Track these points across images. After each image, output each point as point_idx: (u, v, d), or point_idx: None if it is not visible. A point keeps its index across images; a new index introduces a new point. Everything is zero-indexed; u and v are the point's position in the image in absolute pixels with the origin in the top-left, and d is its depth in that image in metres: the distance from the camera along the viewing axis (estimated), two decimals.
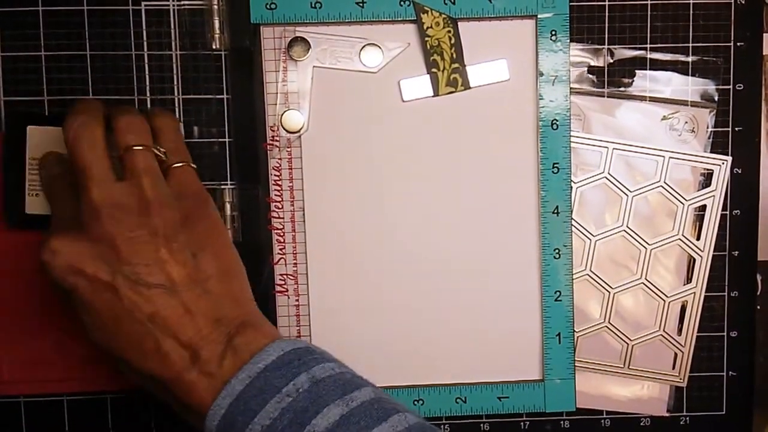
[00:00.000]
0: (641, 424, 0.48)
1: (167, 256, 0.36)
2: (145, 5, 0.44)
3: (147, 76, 0.45)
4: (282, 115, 0.45)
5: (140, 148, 0.38)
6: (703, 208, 0.46)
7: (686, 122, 0.46)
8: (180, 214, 0.38)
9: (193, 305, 0.36)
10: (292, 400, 0.34)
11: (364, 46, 0.45)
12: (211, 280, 0.37)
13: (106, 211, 0.36)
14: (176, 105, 0.45)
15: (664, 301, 0.47)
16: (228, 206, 0.45)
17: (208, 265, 0.38)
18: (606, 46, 0.46)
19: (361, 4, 0.44)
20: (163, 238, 0.36)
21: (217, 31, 0.44)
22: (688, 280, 0.47)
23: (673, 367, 0.47)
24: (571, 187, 0.45)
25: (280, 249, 0.46)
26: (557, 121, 0.45)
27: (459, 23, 0.44)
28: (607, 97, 0.46)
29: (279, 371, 0.35)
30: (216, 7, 0.44)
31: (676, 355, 0.47)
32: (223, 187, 0.45)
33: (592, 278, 0.47)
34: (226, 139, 0.45)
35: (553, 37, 0.44)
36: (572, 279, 0.46)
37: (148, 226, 0.36)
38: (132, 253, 0.36)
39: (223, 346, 0.36)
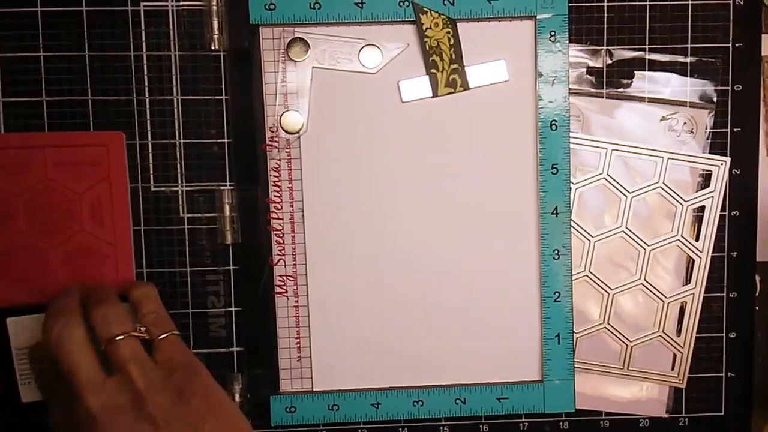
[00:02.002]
0: (640, 425, 0.48)
1: None
2: (144, 6, 0.44)
3: (146, 77, 0.45)
4: (281, 115, 0.45)
5: (122, 337, 0.38)
6: (702, 209, 0.46)
7: (685, 123, 0.46)
8: (174, 393, 0.38)
9: None
10: None
11: (363, 47, 0.45)
12: None
13: (102, 417, 0.36)
14: (175, 105, 0.45)
15: (663, 302, 0.47)
16: (227, 207, 0.45)
17: (215, 429, 0.37)
18: (605, 47, 0.46)
19: (360, 5, 0.44)
20: (162, 423, 0.36)
21: (216, 32, 0.44)
22: (687, 281, 0.47)
23: (672, 368, 0.47)
24: (570, 188, 0.45)
25: (280, 250, 0.46)
26: (556, 121, 0.45)
27: (458, 24, 0.44)
28: (606, 98, 0.46)
29: None
30: (215, 7, 0.44)
31: (675, 356, 0.47)
32: (222, 187, 0.45)
33: (591, 279, 0.47)
34: (225, 140, 0.45)
35: (552, 38, 0.44)
36: (571, 280, 0.46)
37: (145, 418, 0.36)
38: None
39: None
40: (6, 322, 0.43)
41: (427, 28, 0.44)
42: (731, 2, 0.45)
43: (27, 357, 0.43)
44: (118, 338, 0.38)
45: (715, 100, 0.46)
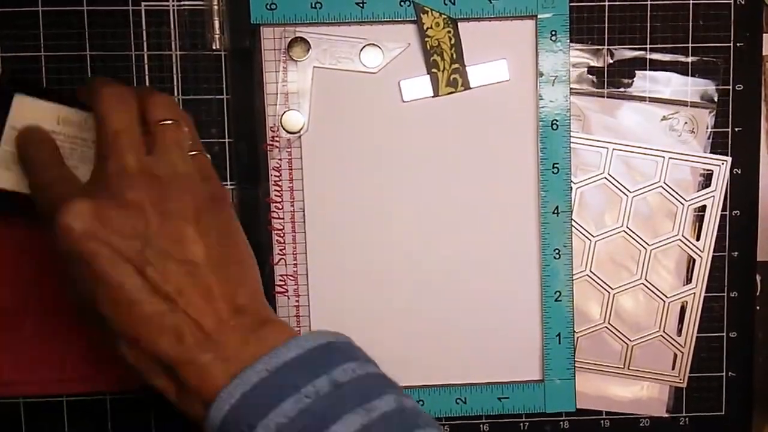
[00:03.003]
0: (641, 424, 0.48)
1: (195, 235, 0.34)
2: (145, 5, 0.44)
3: (147, 77, 0.45)
4: (282, 115, 0.45)
5: (170, 122, 0.37)
6: (703, 208, 0.46)
7: (686, 123, 0.46)
8: (208, 194, 0.36)
9: (215, 288, 0.34)
10: (310, 402, 0.32)
11: (364, 47, 0.45)
12: (232, 267, 0.36)
13: (141, 178, 0.34)
14: None
15: (663, 301, 0.47)
16: None
17: (232, 251, 0.36)
18: (606, 47, 0.46)
19: (361, 5, 0.44)
20: (193, 215, 0.35)
21: (217, 32, 0.44)
22: (688, 280, 0.47)
23: (673, 368, 0.47)
24: (571, 188, 0.45)
25: (280, 249, 0.46)
26: (557, 121, 0.45)
27: (459, 23, 0.44)
28: (607, 97, 0.46)
29: (299, 370, 0.33)
30: (216, 7, 0.44)
31: (675, 355, 0.47)
32: None
33: (592, 279, 0.47)
34: (226, 140, 0.45)
35: (553, 38, 0.44)
36: (572, 279, 0.46)
37: (180, 201, 0.35)
38: (161, 227, 0.34)
39: (244, 334, 0.34)
40: (14, 97, 0.39)
41: (427, 28, 0.44)
42: (732, 2, 0.45)
43: (18, 140, 0.39)
44: (166, 122, 0.37)
45: (716, 99, 0.46)
